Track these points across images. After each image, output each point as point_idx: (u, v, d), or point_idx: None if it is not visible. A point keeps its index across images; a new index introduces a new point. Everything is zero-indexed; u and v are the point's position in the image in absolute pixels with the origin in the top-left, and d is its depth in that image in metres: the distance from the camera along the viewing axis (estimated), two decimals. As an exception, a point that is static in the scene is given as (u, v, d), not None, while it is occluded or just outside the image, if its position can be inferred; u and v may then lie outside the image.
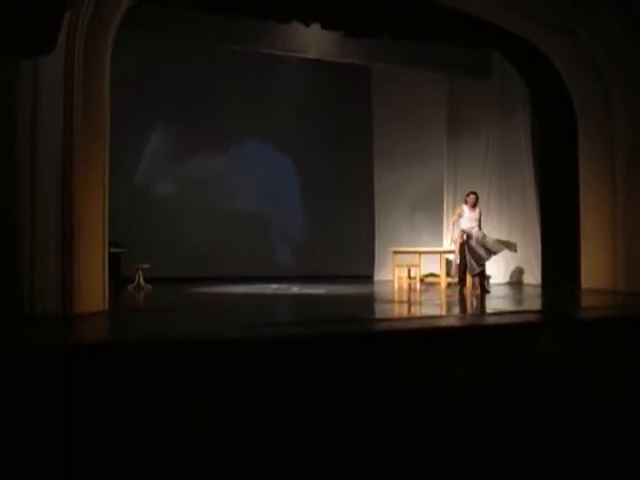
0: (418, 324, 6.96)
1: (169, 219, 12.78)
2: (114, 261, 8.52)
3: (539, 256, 11.78)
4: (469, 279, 10.78)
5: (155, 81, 12.40)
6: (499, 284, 11.35)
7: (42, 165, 6.66)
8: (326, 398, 4.13)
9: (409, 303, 9.47)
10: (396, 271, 12.23)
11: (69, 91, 6.77)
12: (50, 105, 6.67)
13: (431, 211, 13.43)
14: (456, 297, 9.79)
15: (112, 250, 8.24)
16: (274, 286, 11.57)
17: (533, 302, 9.68)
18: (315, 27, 9.90)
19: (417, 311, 8.77)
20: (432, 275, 12.17)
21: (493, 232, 10.87)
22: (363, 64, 12.33)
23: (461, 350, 4.97)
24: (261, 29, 9.81)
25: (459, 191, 12.89)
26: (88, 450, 3.44)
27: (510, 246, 10.30)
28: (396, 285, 11.98)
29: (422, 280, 12.00)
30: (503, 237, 10.86)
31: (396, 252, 12.33)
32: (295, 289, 11.11)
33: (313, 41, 10.44)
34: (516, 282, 12.03)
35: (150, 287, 10.77)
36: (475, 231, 10.07)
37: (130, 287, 10.67)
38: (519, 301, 9.75)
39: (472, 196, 10.29)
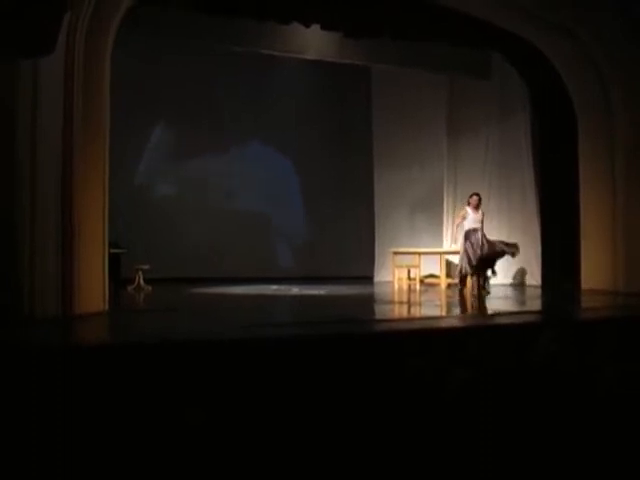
0: (418, 325, 6.96)
1: (169, 220, 12.78)
2: (114, 262, 8.52)
3: (539, 257, 11.77)
4: (469, 280, 10.79)
5: (155, 81, 12.40)
6: (499, 285, 11.33)
7: (42, 165, 6.65)
8: (326, 399, 4.12)
9: (409, 304, 9.47)
10: (396, 272, 12.23)
11: (69, 91, 6.77)
12: (50, 105, 6.66)
13: (431, 212, 13.43)
14: (456, 298, 9.79)
15: (112, 251, 8.24)
16: (274, 287, 11.57)
17: (533, 303, 9.68)
18: (315, 28, 9.90)
19: (417, 312, 8.77)
20: (432, 276, 12.17)
21: (493, 233, 10.85)
22: (363, 65, 12.33)
23: (461, 351, 4.97)
24: (261, 30, 9.81)
25: (459, 192, 12.90)
26: (88, 450, 3.43)
27: (511, 248, 10.25)
28: (396, 286, 11.99)
29: (422, 281, 12.00)
30: (503, 237, 10.83)
31: (396, 253, 12.34)
32: (295, 290, 11.10)
33: (313, 42, 10.44)
34: (516, 283, 12.02)
35: (150, 288, 10.77)
36: (475, 235, 10.02)
37: (130, 288, 10.67)
38: (519, 302, 9.74)
39: (475, 197, 10.27)
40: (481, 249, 9.88)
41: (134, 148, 12.29)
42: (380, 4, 9.41)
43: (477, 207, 10.20)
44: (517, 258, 10.97)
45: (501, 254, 10.10)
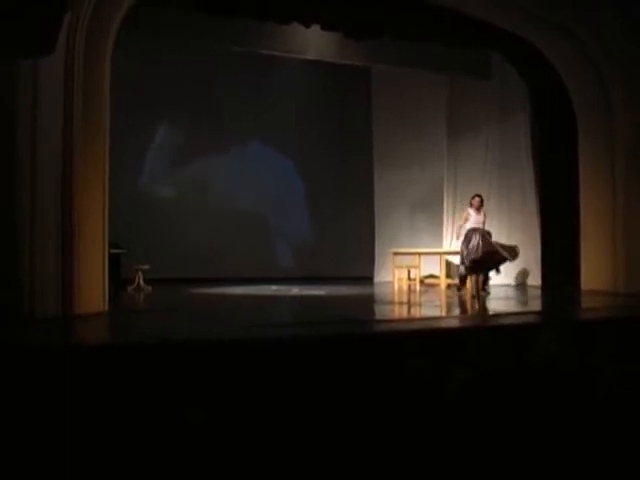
0: (418, 325, 6.95)
1: (169, 220, 12.78)
2: (114, 262, 8.52)
3: (539, 257, 11.77)
4: (470, 280, 10.79)
5: (155, 82, 12.41)
6: (499, 285, 11.33)
7: (42, 165, 6.64)
8: (326, 399, 4.12)
9: (409, 304, 9.46)
10: (396, 272, 12.23)
11: (69, 91, 6.77)
12: (50, 105, 6.66)
13: (431, 212, 13.43)
14: (456, 298, 9.78)
15: (112, 251, 8.24)
16: (274, 287, 11.57)
17: (533, 303, 9.68)
18: (315, 28, 9.90)
19: (417, 312, 8.76)
20: (432, 276, 12.17)
21: (493, 233, 10.85)
22: (363, 65, 12.34)
23: (461, 351, 4.97)
24: (261, 30, 9.81)
25: (459, 192, 12.90)
26: (88, 450, 3.43)
27: (509, 253, 10.19)
28: (396, 286, 11.99)
29: (422, 281, 11.99)
30: (503, 238, 10.83)
31: (396, 253, 12.34)
32: (295, 290, 11.10)
33: (313, 42, 10.45)
34: (516, 283, 12.02)
35: (150, 288, 10.77)
36: (473, 236, 10.00)
37: (130, 288, 10.67)
38: (519, 302, 9.73)
39: (477, 199, 10.27)
40: (475, 252, 9.86)
41: (134, 148, 12.29)
42: (380, 4, 9.41)
43: (479, 208, 10.20)
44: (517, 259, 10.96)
45: (498, 261, 10.04)
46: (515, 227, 11.91)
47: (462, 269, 10.10)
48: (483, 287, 10.13)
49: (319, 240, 14.35)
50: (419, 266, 11.87)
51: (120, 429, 3.63)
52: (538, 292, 11.02)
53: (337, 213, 14.36)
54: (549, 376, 4.37)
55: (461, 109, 12.99)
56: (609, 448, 3.55)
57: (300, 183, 14.41)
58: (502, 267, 10.76)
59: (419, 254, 11.91)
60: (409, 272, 12.15)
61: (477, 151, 12.79)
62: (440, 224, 13.28)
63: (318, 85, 14.05)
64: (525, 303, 9.72)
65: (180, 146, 13.22)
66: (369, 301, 10.01)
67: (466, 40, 10.36)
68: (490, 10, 9.78)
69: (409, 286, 11.96)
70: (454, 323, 7.39)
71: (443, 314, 8.31)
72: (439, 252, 11.96)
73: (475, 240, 9.88)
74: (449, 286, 11.42)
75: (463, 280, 10.30)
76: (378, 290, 11.98)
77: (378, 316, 8.37)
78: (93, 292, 7.08)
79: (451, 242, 12.64)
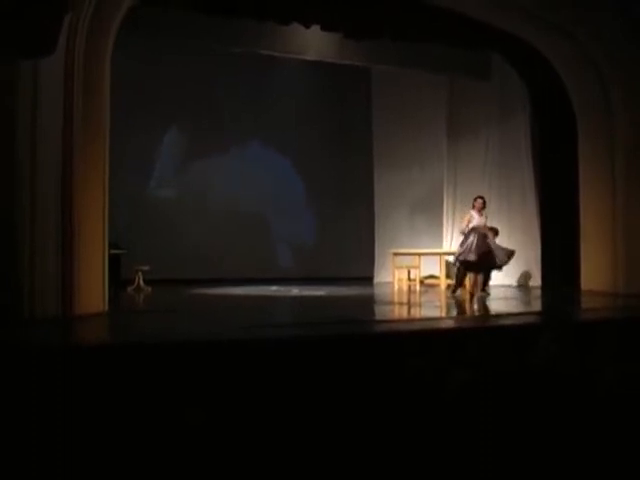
0: (418, 326, 6.95)
1: (169, 220, 12.78)
2: (114, 262, 8.52)
3: (539, 258, 11.77)
4: (469, 280, 10.79)
5: (155, 82, 12.41)
6: (499, 286, 11.34)
7: (42, 165, 6.65)
8: (326, 399, 4.12)
9: (409, 305, 9.46)
10: (396, 273, 12.22)
11: (69, 91, 6.77)
12: (50, 105, 6.66)
13: (431, 213, 13.42)
14: (456, 299, 9.77)
15: (112, 251, 8.24)
16: (274, 288, 11.57)
17: (533, 304, 9.68)
18: (315, 29, 9.90)
19: (417, 313, 8.77)
20: (432, 277, 12.16)
21: (493, 234, 10.86)
22: (363, 65, 12.33)
23: (461, 352, 4.96)
24: (261, 31, 9.81)
25: (459, 192, 12.90)
26: (88, 450, 3.43)
27: (505, 255, 10.18)
28: (396, 287, 11.98)
29: (422, 282, 11.99)
30: (503, 238, 10.83)
31: (396, 254, 12.33)
32: (295, 291, 11.10)
33: (313, 43, 10.44)
34: (516, 284, 12.01)
35: (150, 289, 10.77)
36: (471, 236, 10.00)
37: (130, 289, 10.67)
38: (519, 303, 9.73)
39: (479, 201, 10.27)
40: (469, 252, 9.88)
41: (134, 148, 12.28)
42: (380, 5, 9.41)
43: (481, 210, 10.21)
44: (517, 259, 10.96)
45: (490, 264, 10.04)
46: (515, 227, 11.90)
47: (457, 264, 10.12)
48: (483, 288, 10.13)
49: (319, 240, 14.35)
50: (419, 266, 11.86)
51: (120, 429, 3.63)
52: (538, 292, 11.02)
53: (337, 213, 14.35)
54: (549, 377, 4.37)
55: (461, 109, 12.99)
56: (609, 449, 3.55)
57: (300, 183, 14.40)
58: (504, 268, 10.78)
59: (419, 255, 11.90)
60: (409, 272, 12.14)
61: (477, 152, 12.78)
62: (440, 225, 13.27)
63: (318, 85, 14.05)
64: (525, 304, 9.72)
65: (180, 146, 13.22)
66: (369, 301, 10.02)
67: (466, 41, 10.36)
68: (490, 11, 9.78)
69: (409, 287, 11.95)
70: (454, 324, 7.39)
71: (443, 315, 8.31)
72: (439, 253, 11.96)
73: (470, 239, 9.91)
74: (449, 287, 11.40)
75: (459, 281, 10.24)
76: (378, 290, 11.98)
77: (378, 316, 8.37)
78: (93, 292, 7.08)
79: (451, 243, 12.64)
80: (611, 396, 4.00)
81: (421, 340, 5.63)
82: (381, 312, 9.11)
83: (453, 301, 9.46)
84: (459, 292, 10.17)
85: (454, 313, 8.56)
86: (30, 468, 3.29)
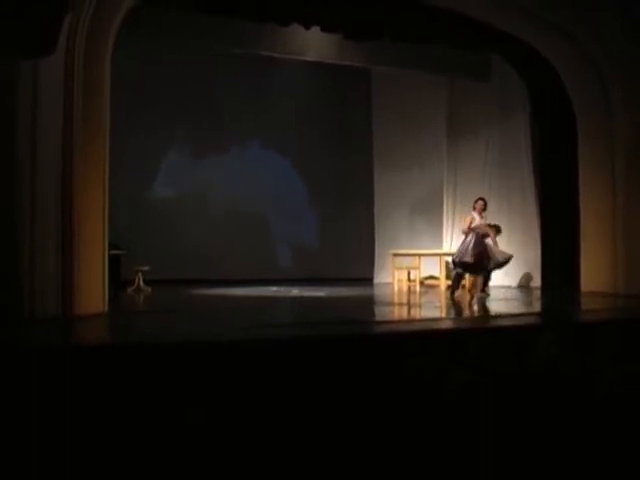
0: (418, 326, 6.95)
1: (169, 221, 12.78)
2: (114, 263, 8.51)
3: (539, 258, 11.76)
4: (469, 281, 10.79)
5: (155, 82, 12.42)
6: (499, 287, 11.33)
7: (42, 165, 6.64)
8: (326, 399, 4.12)
9: (409, 305, 9.46)
10: (396, 273, 12.22)
11: (69, 91, 6.76)
12: (50, 105, 6.66)
13: (431, 213, 13.42)
14: (455, 299, 9.76)
15: (112, 252, 8.23)
16: (274, 288, 11.57)
17: (533, 304, 9.67)
18: (315, 30, 9.90)
19: (417, 313, 8.76)
20: (432, 277, 12.16)
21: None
22: (363, 66, 12.33)
23: (461, 352, 4.96)
24: (261, 31, 9.81)
25: (459, 193, 12.90)
26: (88, 450, 3.43)
27: (500, 259, 10.16)
28: (396, 287, 11.97)
29: (422, 282, 11.98)
30: (503, 239, 10.81)
31: (396, 254, 12.33)
32: (295, 291, 11.10)
33: (313, 44, 10.44)
34: (516, 285, 12.00)
35: (150, 289, 10.77)
36: (468, 237, 10.00)
37: (130, 289, 10.66)
38: (519, 303, 9.73)
39: (481, 202, 10.27)
40: (464, 253, 9.90)
41: (134, 148, 12.29)
42: (380, 6, 9.41)
43: (482, 212, 10.20)
44: (517, 260, 10.96)
45: (484, 267, 10.04)
46: (515, 228, 11.90)
47: (453, 269, 10.14)
48: (483, 288, 10.13)
49: (319, 241, 14.36)
50: (419, 267, 11.86)
51: (120, 429, 3.63)
52: (538, 293, 11.01)
53: (337, 213, 14.36)
54: (549, 378, 4.37)
55: (461, 110, 12.99)
56: (609, 449, 3.55)
57: (300, 183, 14.41)
58: (504, 268, 10.77)
59: (419, 255, 11.90)
60: (409, 273, 12.14)
61: (477, 152, 12.78)
62: (440, 225, 13.27)
63: (318, 85, 14.05)
64: (525, 304, 9.71)
65: (180, 146, 13.22)
66: (369, 302, 10.01)
67: (466, 41, 10.36)
68: (489, 11, 9.78)
69: (409, 287, 11.95)
70: (454, 324, 7.39)
71: (443, 315, 8.30)
72: (439, 253, 11.96)
73: (467, 240, 9.92)
74: (449, 287, 11.40)
75: (456, 283, 10.23)
76: (378, 291, 11.97)
77: (378, 317, 8.37)
78: (93, 293, 7.08)
79: (451, 243, 12.64)
80: (611, 397, 4.00)
81: (421, 341, 5.62)
82: (381, 313, 9.10)
83: (453, 302, 9.46)
84: (458, 293, 10.18)
85: (454, 314, 8.55)
86: (30, 468, 3.29)
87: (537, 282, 11.78)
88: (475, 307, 8.97)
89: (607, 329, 6.35)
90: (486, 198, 10.67)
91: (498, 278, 11.26)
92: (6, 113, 6.53)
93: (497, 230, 10.39)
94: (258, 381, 4.47)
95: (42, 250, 6.64)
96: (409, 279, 12.11)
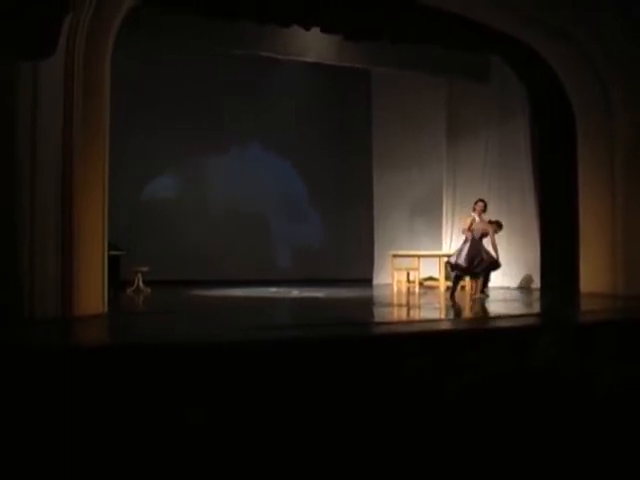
0: (417, 328, 6.95)
1: (169, 221, 12.78)
2: (113, 264, 8.50)
3: (538, 259, 11.76)
4: (468, 283, 10.79)
5: (155, 82, 12.43)
6: (498, 288, 11.33)
7: (42, 165, 6.64)
8: (325, 401, 4.12)
9: (408, 307, 9.46)
10: (395, 274, 12.21)
11: (69, 91, 6.76)
12: (50, 105, 6.66)
13: (430, 214, 13.42)
14: (455, 301, 9.76)
15: (111, 253, 8.22)
16: (273, 289, 11.57)
17: (532, 306, 9.67)
18: (315, 31, 9.91)
19: (416, 315, 8.76)
20: (431, 279, 12.16)
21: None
22: (363, 67, 12.34)
23: (460, 354, 4.96)
24: (261, 33, 9.82)
25: (458, 194, 12.91)
26: (88, 450, 3.43)
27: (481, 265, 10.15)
28: (395, 289, 11.97)
29: (421, 284, 11.98)
30: (503, 240, 10.81)
31: (395, 255, 12.32)
32: (294, 292, 11.10)
33: (313, 45, 10.45)
34: (515, 286, 12.00)
35: (149, 290, 10.77)
36: (466, 240, 10.01)
37: (129, 290, 10.66)
38: (518, 305, 9.73)
39: (480, 204, 10.25)
40: (458, 255, 9.90)
41: (134, 148, 12.29)
42: (379, 7, 9.41)
43: (482, 213, 10.20)
44: (516, 261, 10.96)
45: (478, 270, 10.04)
46: (514, 229, 11.89)
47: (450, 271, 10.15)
48: (482, 290, 10.12)
49: (318, 242, 14.36)
50: (418, 268, 11.85)
51: (120, 429, 3.63)
52: (537, 294, 11.01)
53: (337, 214, 14.37)
54: (548, 379, 4.37)
55: (460, 111, 13.00)
56: (609, 450, 3.55)
57: (300, 184, 14.42)
58: (504, 269, 10.77)
59: (418, 256, 11.90)
60: (408, 274, 12.13)
61: (476, 153, 12.79)
62: (439, 226, 13.27)
63: (318, 86, 14.06)
64: (524, 305, 9.71)
65: (180, 146, 13.21)
66: (368, 303, 10.01)
67: (465, 43, 10.36)
68: (489, 12, 9.78)
69: (408, 288, 11.94)
70: (453, 326, 7.39)
71: (442, 317, 8.30)
72: (438, 254, 11.95)
73: (464, 244, 9.93)
74: (448, 288, 11.40)
75: (456, 284, 10.22)
76: (377, 292, 11.98)
77: (377, 318, 8.36)
78: (92, 293, 7.07)
79: (450, 244, 12.64)
80: (611, 398, 4.01)
81: (420, 342, 5.62)
82: (380, 314, 9.09)
83: (452, 303, 9.45)
84: (458, 294, 10.17)
85: (453, 315, 8.55)
86: (30, 468, 3.29)
87: (536, 283, 11.78)
88: (474, 308, 8.96)
89: (606, 330, 6.34)
90: (485, 199, 10.65)
91: (497, 279, 11.26)
92: (6, 113, 6.53)
93: (498, 226, 10.36)
94: (258, 382, 4.47)
95: (42, 250, 6.64)
96: (408, 280, 12.11)
